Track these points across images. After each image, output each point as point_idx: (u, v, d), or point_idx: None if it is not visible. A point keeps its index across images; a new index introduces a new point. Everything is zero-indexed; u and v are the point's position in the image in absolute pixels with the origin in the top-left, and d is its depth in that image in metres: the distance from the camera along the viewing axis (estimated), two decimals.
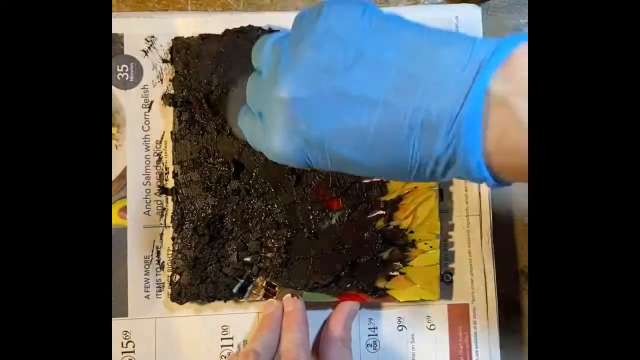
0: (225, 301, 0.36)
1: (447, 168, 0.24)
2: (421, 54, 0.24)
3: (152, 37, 0.37)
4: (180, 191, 0.36)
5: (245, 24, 0.37)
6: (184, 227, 0.36)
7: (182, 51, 0.37)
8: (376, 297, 0.36)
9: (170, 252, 0.37)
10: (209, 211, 0.36)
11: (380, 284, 0.36)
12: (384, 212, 0.36)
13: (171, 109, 0.37)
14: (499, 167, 0.23)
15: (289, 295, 0.36)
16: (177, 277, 0.36)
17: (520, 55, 0.23)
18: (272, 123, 0.26)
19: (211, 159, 0.36)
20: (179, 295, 0.36)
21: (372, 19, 0.25)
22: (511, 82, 0.22)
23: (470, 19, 0.38)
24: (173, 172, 0.37)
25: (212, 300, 0.36)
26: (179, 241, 0.36)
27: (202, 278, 0.36)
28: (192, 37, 0.37)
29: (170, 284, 0.36)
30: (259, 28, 0.37)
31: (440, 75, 0.23)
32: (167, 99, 0.37)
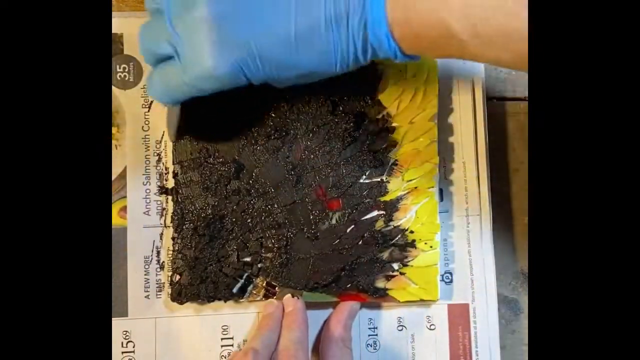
0: (225, 301, 0.36)
1: (364, 50, 0.28)
2: None
3: None
4: (180, 191, 0.36)
5: None
6: (184, 227, 0.36)
7: None
8: (376, 297, 0.36)
9: (170, 252, 0.37)
10: (209, 211, 0.36)
11: (380, 284, 0.36)
12: (384, 212, 0.36)
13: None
14: (401, 38, 0.27)
15: (289, 295, 0.36)
16: (177, 277, 0.36)
17: None
18: (198, 45, 0.27)
19: (211, 159, 0.36)
20: (179, 295, 0.36)
21: None
22: None
23: None
24: (173, 172, 0.37)
25: (212, 300, 0.36)
26: (179, 241, 0.36)
27: (202, 278, 0.36)
28: None
29: (171, 284, 0.36)
30: None
31: None
32: None
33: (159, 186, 0.37)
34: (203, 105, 0.34)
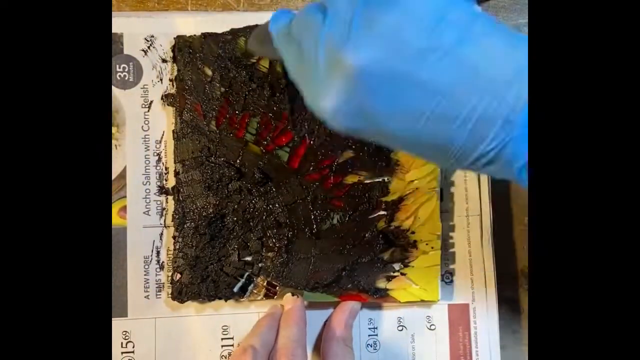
0: (225, 300, 0.36)
1: (487, 164, 0.24)
2: (495, 56, 0.24)
3: (152, 36, 0.37)
4: (181, 190, 0.36)
5: (245, 24, 0.37)
6: (185, 226, 0.36)
7: (184, 49, 0.37)
8: (377, 297, 0.36)
9: (171, 252, 0.37)
10: (210, 210, 0.36)
11: (381, 284, 0.36)
12: (386, 213, 0.36)
13: (171, 108, 0.37)
14: None
15: (290, 294, 0.36)
16: (178, 275, 0.36)
17: None
18: (329, 85, 0.25)
19: (213, 158, 0.36)
20: (180, 294, 0.36)
21: (460, 8, 0.24)
22: None
23: None
24: (174, 170, 0.37)
25: (213, 299, 0.36)
26: (180, 240, 0.36)
27: (202, 277, 0.36)
28: (194, 35, 0.37)
29: (171, 283, 0.36)
30: None
31: (506, 78, 0.23)
32: (169, 97, 0.37)
33: (158, 186, 0.37)
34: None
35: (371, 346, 0.37)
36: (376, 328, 0.38)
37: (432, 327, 0.38)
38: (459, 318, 0.37)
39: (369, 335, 0.37)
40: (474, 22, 0.24)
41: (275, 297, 0.36)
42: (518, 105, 0.23)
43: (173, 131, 0.37)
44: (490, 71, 0.24)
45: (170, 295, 0.36)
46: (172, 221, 0.36)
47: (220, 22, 0.37)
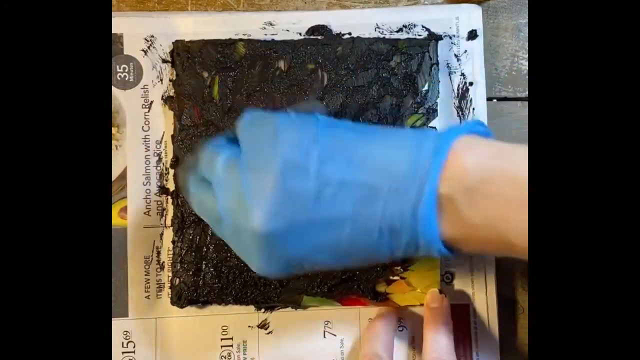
0: (225, 305, 0.36)
1: (415, 253, 0.28)
2: (374, 165, 0.27)
3: (152, 36, 0.37)
4: (180, 194, 0.36)
5: (245, 24, 0.37)
6: (184, 230, 0.36)
7: (183, 54, 0.37)
8: (377, 302, 0.36)
9: (171, 253, 0.37)
10: None
11: (381, 288, 0.36)
12: None
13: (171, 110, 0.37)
14: (457, 246, 0.27)
15: (436, 290, 0.35)
16: (177, 280, 0.36)
17: (457, 152, 0.26)
18: (248, 249, 0.28)
19: None
20: (179, 298, 0.36)
21: (325, 138, 0.27)
22: (452, 180, 0.26)
23: (470, 19, 0.38)
24: (174, 175, 0.37)
25: (212, 304, 0.36)
26: (179, 244, 0.36)
27: (202, 282, 0.36)
28: (193, 40, 0.37)
29: (171, 288, 0.36)
30: (259, 41, 0.37)
31: (395, 183, 0.26)
32: (168, 102, 0.37)
33: (159, 186, 0.37)
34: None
35: None
36: None
37: None
38: (459, 318, 0.37)
39: None
40: (337, 138, 0.27)
41: (278, 299, 0.36)
42: (415, 203, 0.26)
43: (172, 136, 0.37)
44: (376, 181, 0.26)
45: (170, 300, 0.36)
46: (171, 225, 0.36)
47: (220, 22, 0.37)
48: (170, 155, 0.37)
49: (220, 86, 0.37)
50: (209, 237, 0.36)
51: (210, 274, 0.36)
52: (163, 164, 0.37)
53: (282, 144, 0.27)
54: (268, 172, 0.26)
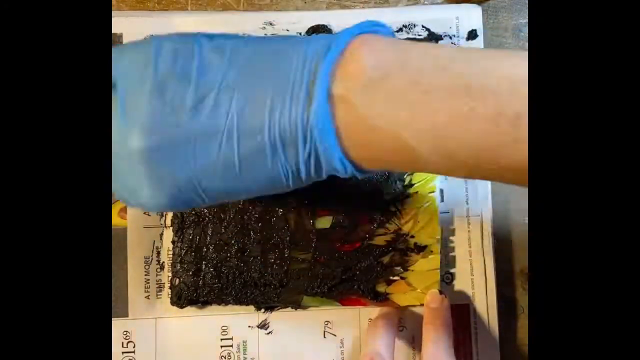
0: (225, 305, 0.36)
1: (317, 170, 0.25)
2: (259, 70, 0.24)
3: (152, 36, 0.37)
4: None
5: (245, 24, 0.37)
6: (184, 231, 0.36)
7: None
8: (377, 302, 0.36)
9: (170, 253, 0.37)
10: (210, 214, 0.36)
11: (381, 288, 0.36)
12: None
13: None
14: (359, 159, 0.25)
15: (436, 290, 0.35)
16: (177, 281, 0.36)
17: (352, 50, 0.24)
18: (131, 179, 0.25)
19: None
20: (179, 299, 0.36)
21: (208, 50, 0.25)
22: (347, 80, 0.23)
23: (470, 19, 0.38)
24: None
25: (211, 305, 0.36)
26: (179, 245, 0.36)
27: (202, 282, 0.36)
28: None
29: (171, 288, 0.36)
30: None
31: (282, 87, 0.24)
32: None
33: None
34: None
35: None
36: None
37: None
38: (459, 318, 0.37)
39: None
40: (222, 47, 0.25)
41: (279, 299, 0.36)
42: (304, 107, 0.23)
43: None
44: (260, 86, 0.24)
45: (170, 300, 0.36)
46: (171, 225, 0.36)
47: (220, 22, 0.37)
48: None
49: None
50: (208, 237, 0.36)
51: (210, 274, 0.36)
52: None
53: (158, 60, 0.24)
54: (143, 87, 0.24)
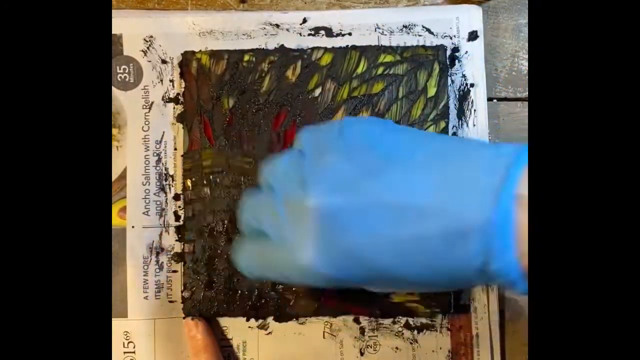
0: (236, 317, 0.36)
1: (482, 272, 0.24)
2: (450, 158, 0.24)
3: (151, 37, 0.37)
4: (193, 207, 0.36)
5: (245, 24, 0.37)
6: (195, 242, 0.36)
7: (192, 65, 0.37)
8: (378, 307, 0.36)
9: (170, 253, 0.37)
10: (221, 227, 0.36)
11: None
12: None
13: (171, 107, 0.37)
14: (525, 267, 0.23)
15: (189, 318, 0.36)
16: (189, 293, 0.36)
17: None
18: (300, 236, 0.25)
19: (223, 174, 0.36)
20: (192, 309, 0.36)
21: (395, 132, 0.26)
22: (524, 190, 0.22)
23: (470, 19, 0.38)
24: (184, 186, 0.37)
25: (224, 316, 0.36)
26: (190, 257, 0.36)
27: (214, 294, 0.36)
28: (202, 51, 0.37)
29: (182, 301, 0.36)
30: (265, 50, 0.37)
31: (471, 180, 0.23)
32: (178, 117, 0.37)
33: (158, 186, 0.37)
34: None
35: (371, 347, 0.37)
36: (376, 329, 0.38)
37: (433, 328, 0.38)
38: (459, 318, 0.37)
39: (369, 337, 0.37)
40: (409, 133, 0.26)
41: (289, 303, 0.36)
42: (490, 203, 0.22)
43: (182, 156, 0.37)
44: (449, 173, 0.24)
45: (182, 311, 0.36)
46: (182, 239, 0.37)
47: (220, 22, 0.37)
48: (171, 156, 0.37)
49: (229, 97, 0.37)
50: (220, 249, 0.36)
51: (222, 286, 0.36)
52: (163, 164, 0.37)
53: (347, 134, 0.26)
54: (332, 153, 0.25)
